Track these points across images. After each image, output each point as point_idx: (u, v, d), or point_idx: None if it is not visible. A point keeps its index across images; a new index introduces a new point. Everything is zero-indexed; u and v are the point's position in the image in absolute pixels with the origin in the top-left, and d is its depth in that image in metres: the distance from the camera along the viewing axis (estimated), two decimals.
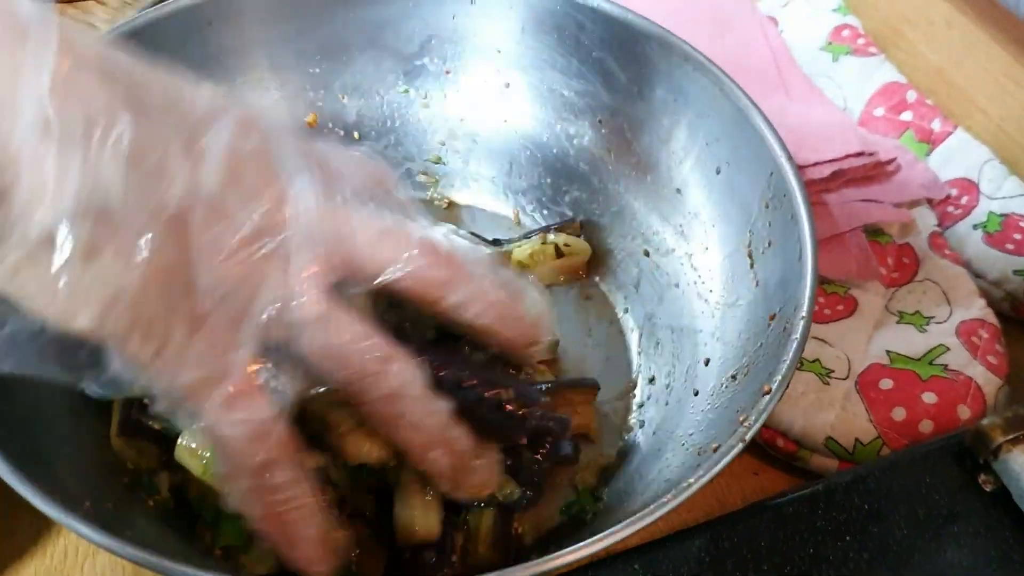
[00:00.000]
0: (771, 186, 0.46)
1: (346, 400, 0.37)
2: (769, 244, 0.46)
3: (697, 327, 0.50)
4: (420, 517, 0.41)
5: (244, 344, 0.33)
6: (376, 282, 0.36)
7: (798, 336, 0.40)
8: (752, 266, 0.47)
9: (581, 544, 0.35)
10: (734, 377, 0.45)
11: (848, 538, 0.44)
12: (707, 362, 0.48)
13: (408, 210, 0.39)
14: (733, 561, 0.43)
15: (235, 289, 0.33)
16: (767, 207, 0.46)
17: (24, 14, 0.30)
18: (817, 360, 0.51)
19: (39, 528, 0.48)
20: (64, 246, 0.29)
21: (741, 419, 0.39)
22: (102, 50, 0.32)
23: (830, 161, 0.56)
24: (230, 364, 0.33)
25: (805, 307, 0.41)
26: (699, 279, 0.51)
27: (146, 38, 0.50)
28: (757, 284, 0.46)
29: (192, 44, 0.53)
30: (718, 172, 0.50)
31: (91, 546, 0.47)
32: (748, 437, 0.37)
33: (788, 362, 0.39)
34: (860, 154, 0.56)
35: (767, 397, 0.38)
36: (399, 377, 0.36)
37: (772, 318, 0.43)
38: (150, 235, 0.31)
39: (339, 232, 0.35)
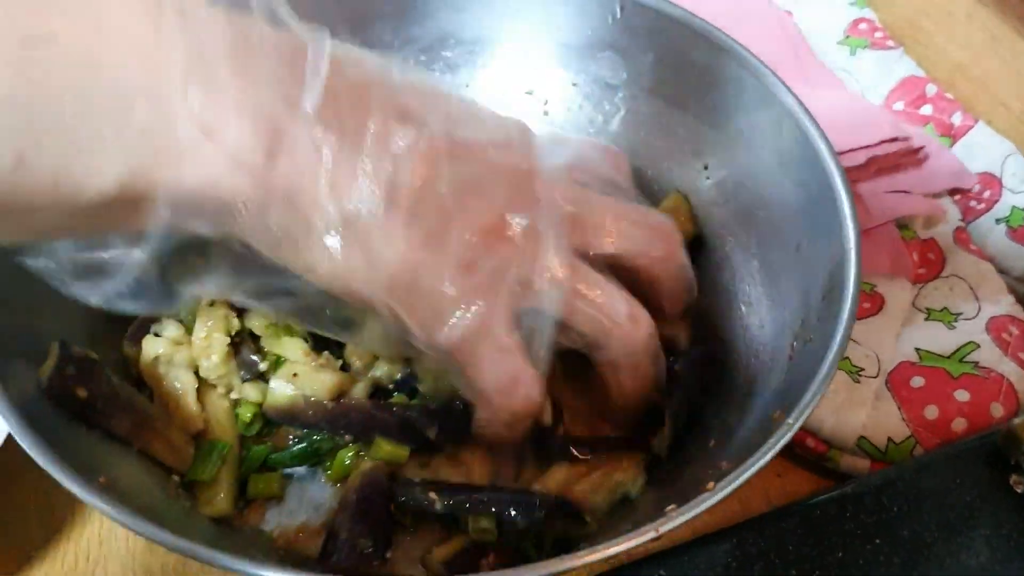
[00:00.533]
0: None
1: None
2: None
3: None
4: None
5: (505, 309, 0.37)
6: (615, 258, 0.40)
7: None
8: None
9: (619, 538, 0.34)
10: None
11: (878, 540, 0.43)
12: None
13: (633, 194, 0.44)
14: (761, 565, 0.42)
15: (497, 262, 0.36)
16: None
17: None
18: (847, 358, 0.50)
19: (48, 534, 0.47)
20: (341, 229, 0.33)
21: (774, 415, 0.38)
22: (365, 59, 0.36)
23: (865, 147, 0.55)
24: (492, 329, 0.37)
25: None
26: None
27: None
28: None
29: None
30: None
31: (102, 552, 0.47)
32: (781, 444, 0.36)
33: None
34: (894, 139, 0.55)
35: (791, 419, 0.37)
36: (640, 332, 0.40)
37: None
38: (419, 218, 0.35)
39: (582, 214, 0.39)
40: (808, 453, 0.49)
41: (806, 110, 0.45)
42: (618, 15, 0.50)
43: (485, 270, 0.36)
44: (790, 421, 0.36)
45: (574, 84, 0.54)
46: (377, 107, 0.34)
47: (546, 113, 0.55)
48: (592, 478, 0.43)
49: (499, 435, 0.41)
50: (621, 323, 0.39)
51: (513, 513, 0.40)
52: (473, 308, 0.36)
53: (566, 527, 0.41)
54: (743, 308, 0.48)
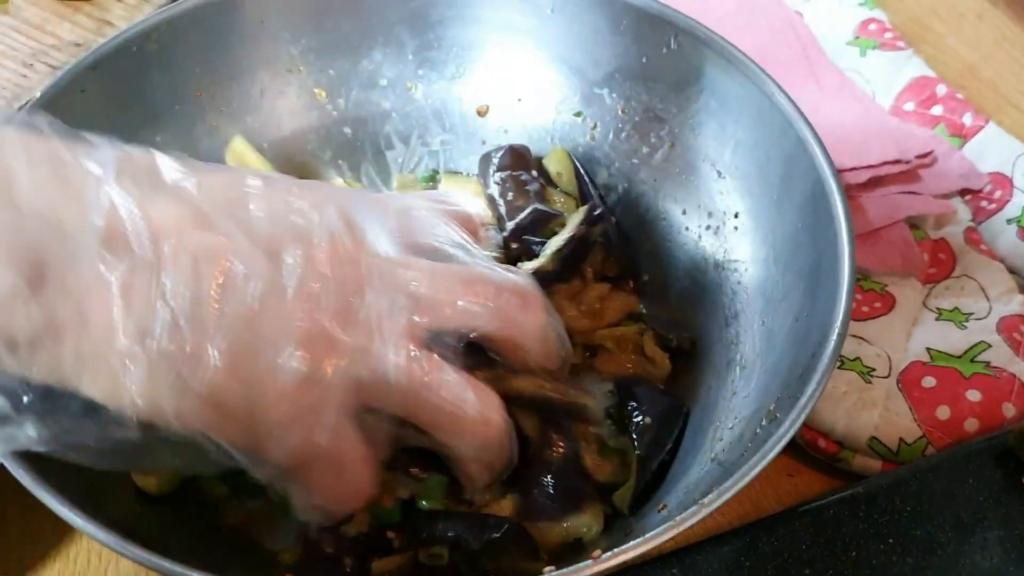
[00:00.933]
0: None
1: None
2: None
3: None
4: None
5: (341, 420, 0.34)
6: (470, 332, 0.37)
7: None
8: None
9: (620, 548, 0.34)
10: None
11: (891, 541, 0.43)
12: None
13: (487, 256, 0.41)
14: (774, 565, 0.42)
15: (322, 368, 0.33)
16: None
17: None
18: (858, 359, 0.50)
19: (62, 532, 0.47)
20: (136, 357, 0.31)
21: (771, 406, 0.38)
22: (147, 159, 0.34)
23: (867, 167, 0.55)
24: (328, 443, 0.34)
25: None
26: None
27: (163, 35, 0.50)
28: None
29: (212, 38, 0.53)
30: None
31: (113, 552, 0.47)
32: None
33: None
34: (896, 161, 0.55)
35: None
36: (496, 432, 0.38)
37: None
38: (221, 337, 0.32)
39: (425, 292, 0.36)
40: (820, 454, 0.49)
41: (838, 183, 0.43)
42: (672, 47, 0.50)
43: (312, 380, 0.33)
44: (785, 426, 0.36)
45: (623, 112, 0.54)
46: (172, 220, 0.32)
47: (593, 138, 0.55)
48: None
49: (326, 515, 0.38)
50: (470, 422, 0.37)
51: (467, 536, 0.39)
52: (301, 425, 0.34)
53: (517, 561, 0.40)
54: (736, 370, 0.47)
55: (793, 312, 0.43)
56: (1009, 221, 0.58)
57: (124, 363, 0.31)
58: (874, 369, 0.50)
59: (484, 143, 0.57)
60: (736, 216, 0.49)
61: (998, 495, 0.44)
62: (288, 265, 0.34)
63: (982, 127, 0.62)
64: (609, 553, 0.33)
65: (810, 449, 0.49)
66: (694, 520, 0.34)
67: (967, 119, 0.62)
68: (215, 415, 0.33)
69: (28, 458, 0.35)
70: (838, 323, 0.38)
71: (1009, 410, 0.47)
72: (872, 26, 0.68)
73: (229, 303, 0.32)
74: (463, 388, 0.36)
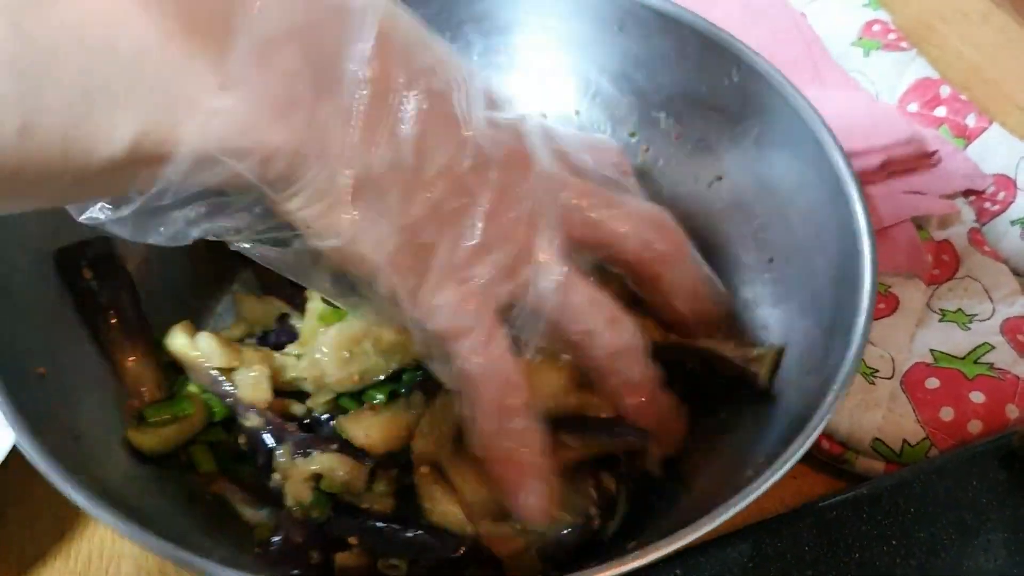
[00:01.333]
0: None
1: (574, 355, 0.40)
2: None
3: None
4: None
5: (495, 299, 0.36)
6: (610, 251, 0.40)
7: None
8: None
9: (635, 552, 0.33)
10: None
11: (894, 542, 0.43)
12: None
13: (637, 191, 0.44)
14: (777, 566, 0.42)
15: (493, 248, 0.36)
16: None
17: None
18: (861, 360, 0.50)
19: (63, 530, 0.47)
20: (349, 194, 0.33)
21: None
22: (413, 23, 0.35)
23: (879, 149, 0.55)
24: (482, 316, 0.36)
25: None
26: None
27: None
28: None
29: None
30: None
31: (116, 550, 0.47)
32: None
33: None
34: (909, 142, 0.55)
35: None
36: (623, 337, 0.39)
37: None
38: (428, 191, 0.34)
39: (578, 204, 0.39)
40: (823, 455, 0.49)
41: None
42: (735, 79, 0.49)
43: (484, 257, 0.36)
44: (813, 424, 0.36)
45: (676, 138, 0.53)
46: (417, 73, 0.34)
47: (643, 160, 0.54)
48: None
49: (489, 435, 0.38)
50: (600, 328, 0.39)
51: (425, 552, 0.40)
52: (468, 293, 0.36)
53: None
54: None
55: (808, 366, 0.43)
56: (1013, 223, 0.58)
57: (342, 192, 0.32)
58: (878, 370, 0.49)
59: None
60: (771, 261, 0.48)
61: (1002, 497, 0.44)
62: (488, 149, 0.36)
63: (986, 128, 0.62)
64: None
65: (814, 450, 0.49)
66: (697, 534, 0.34)
67: (971, 120, 0.62)
68: (404, 255, 0.34)
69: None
70: (846, 371, 0.38)
71: (1013, 412, 0.47)
72: (876, 27, 0.68)
73: (444, 163, 0.34)
74: (595, 298, 0.39)
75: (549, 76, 0.56)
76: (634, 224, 0.40)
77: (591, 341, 0.39)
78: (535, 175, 0.37)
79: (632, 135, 0.55)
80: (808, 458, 0.49)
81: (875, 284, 0.40)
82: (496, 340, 0.37)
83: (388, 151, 0.33)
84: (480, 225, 0.35)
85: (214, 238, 0.35)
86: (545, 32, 0.55)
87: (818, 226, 0.45)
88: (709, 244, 0.50)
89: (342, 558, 0.41)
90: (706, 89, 0.51)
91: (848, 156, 0.43)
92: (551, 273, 0.37)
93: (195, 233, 0.34)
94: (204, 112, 0.29)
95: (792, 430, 0.37)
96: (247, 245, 0.36)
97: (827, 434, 0.48)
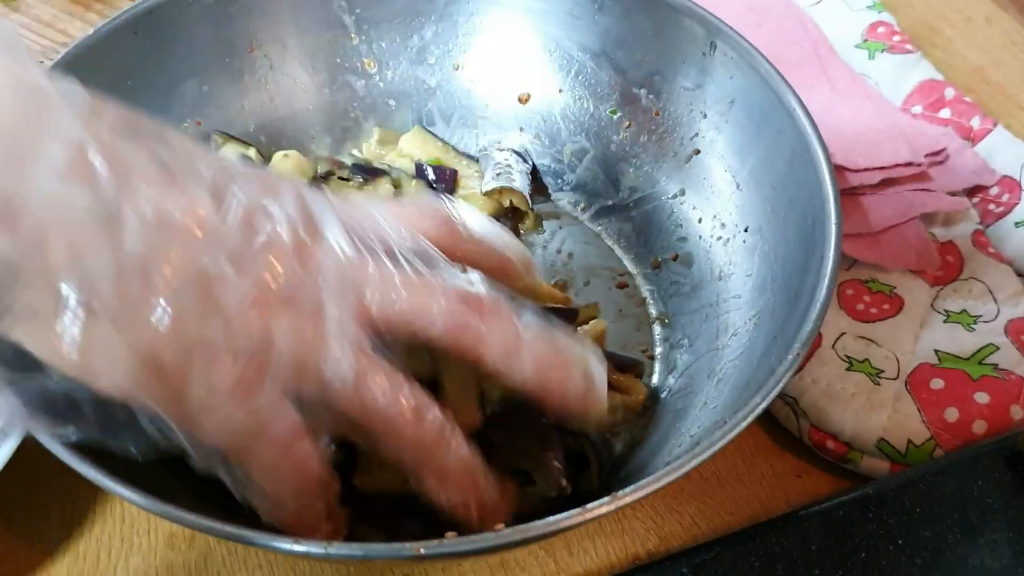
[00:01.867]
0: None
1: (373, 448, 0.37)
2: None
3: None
4: None
5: (279, 399, 0.33)
6: (419, 338, 0.36)
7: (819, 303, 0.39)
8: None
9: (599, 502, 0.34)
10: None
11: (900, 542, 0.43)
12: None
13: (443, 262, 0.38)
14: (784, 565, 0.42)
15: (265, 346, 0.33)
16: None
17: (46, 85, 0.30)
18: (867, 360, 0.50)
19: (71, 528, 0.47)
20: (76, 307, 0.29)
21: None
22: (125, 112, 0.32)
23: (879, 169, 0.55)
24: (266, 420, 0.33)
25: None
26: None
27: (164, 15, 0.52)
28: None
29: (207, 23, 0.54)
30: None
31: (124, 547, 0.47)
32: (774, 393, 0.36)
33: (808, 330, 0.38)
34: (908, 164, 0.56)
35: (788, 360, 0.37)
36: (428, 432, 0.36)
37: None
38: (170, 295, 0.31)
39: (374, 292, 0.35)
40: (828, 455, 0.49)
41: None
42: (711, 53, 0.51)
43: (254, 353, 0.32)
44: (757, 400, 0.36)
45: (656, 114, 0.55)
46: (142, 162, 0.31)
47: (624, 137, 0.56)
48: None
49: (287, 520, 0.36)
50: (400, 424, 0.35)
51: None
52: (240, 395, 0.32)
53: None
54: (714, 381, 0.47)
55: (774, 331, 0.43)
56: (1017, 224, 0.58)
57: (60, 310, 0.29)
58: (883, 371, 0.50)
59: (522, 129, 0.59)
60: (746, 230, 0.50)
61: (1007, 497, 0.45)
62: (246, 240, 0.33)
63: (990, 130, 0.62)
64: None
65: (819, 450, 0.49)
66: (660, 484, 0.34)
67: (975, 122, 0.62)
68: (149, 377, 0.31)
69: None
70: (806, 332, 0.38)
71: (1017, 412, 0.47)
72: (881, 29, 0.68)
73: (182, 263, 0.31)
74: (396, 383, 0.35)
75: (532, 57, 0.58)
76: (440, 305, 0.35)
77: (393, 439, 0.36)
78: (318, 265, 0.34)
79: (613, 112, 0.56)
80: (813, 458, 0.50)
81: (839, 245, 0.41)
82: (287, 443, 0.34)
83: (111, 264, 0.29)
84: (242, 323, 0.32)
85: None
86: (527, 13, 0.56)
87: (790, 194, 0.47)
88: (687, 217, 0.53)
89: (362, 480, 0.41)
90: (684, 64, 0.52)
91: (849, 173, 0.44)
92: (340, 368, 0.34)
93: None
94: None
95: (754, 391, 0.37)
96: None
97: (832, 434, 0.48)
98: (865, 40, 0.68)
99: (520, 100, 0.58)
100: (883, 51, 0.67)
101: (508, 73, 0.58)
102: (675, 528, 0.47)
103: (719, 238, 0.51)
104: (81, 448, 0.35)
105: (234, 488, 0.35)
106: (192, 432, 0.33)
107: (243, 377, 0.32)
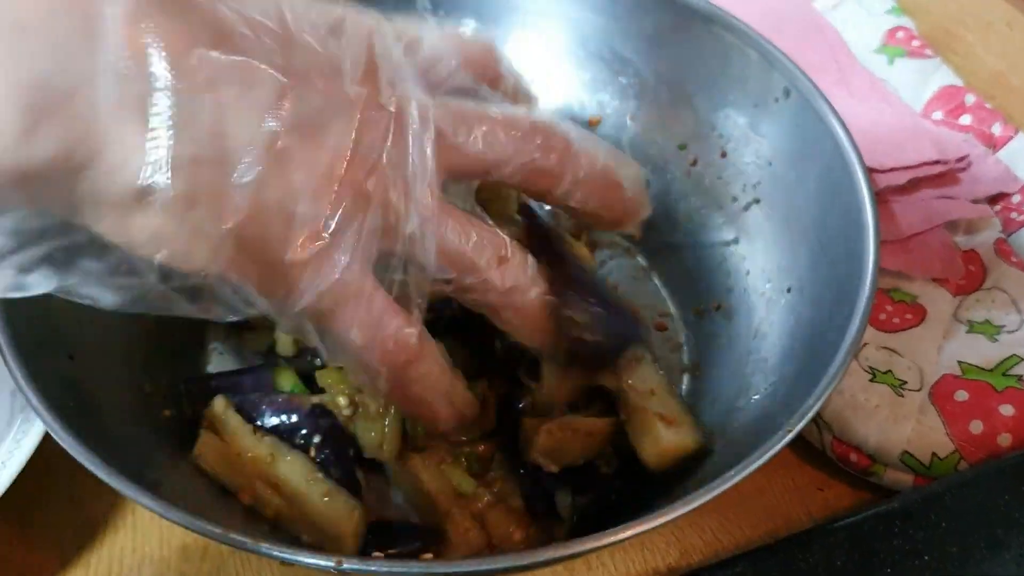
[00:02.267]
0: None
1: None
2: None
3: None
4: None
5: (366, 260, 0.33)
6: (488, 176, 0.36)
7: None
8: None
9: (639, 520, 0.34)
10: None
11: (926, 557, 0.42)
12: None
13: (516, 88, 0.39)
14: None
15: (350, 205, 0.32)
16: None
17: None
18: (890, 371, 0.49)
19: (83, 538, 0.47)
20: (162, 195, 0.29)
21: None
22: None
23: (905, 168, 0.54)
24: (354, 282, 0.33)
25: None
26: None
27: None
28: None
29: None
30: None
31: (136, 557, 0.46)
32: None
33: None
34: (936, 162, 0.55)
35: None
36: (513, 277, 0.36)
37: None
38: (252, 171, 0.30)
39: (445, 129, 0.34)
40: (851, 467, 0.48)
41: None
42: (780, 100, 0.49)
43: (336, 219, 0.32)
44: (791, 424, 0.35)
45: (723, 155, 0.52)
46: (198, 30, 0.29)
47: (689, 174, 0.54)
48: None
49: (391, 393, 0.37)
50: (486, 264, 0.35)
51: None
52: (326, 266, 0.32)
53: None
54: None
55: (787, 399, 0.41)
56: None
57: (141, 201, 0.29)
58: (906, 382, 0.49)
59: None
60: (788, 291, 0.48)
61: None
62: (312, 95, 0.31)
63: (1012, 137, 0.61)
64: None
65: (841, 463, 0.48)
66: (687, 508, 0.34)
67: (996, 129, 0.62)
68: (234, 253, 0.31)
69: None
70: (854, 330, 0.38)
71: None
72: (900, 34, 0.67)
73: (254, 136, 0.30)
74: (479, 231, 0.35)
75: (605, 83, 0.56)
76: (507, 141, 0.36)
77: (480, 285, 0.36)
78: (386, 112, 0.33)
79: (682, 147, 0.54)
80: (835, 470, 0.49)
81: (863, 330, 0.39)
82: (372, 300, 0.34)
83: (189, 144, 0.28)
84: (319, 188, 0.31)
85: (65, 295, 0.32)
86: (602, 34, 0.55)
87: (831, 257, 0.45)
88: (737, 267, 0.51)
89: None
90: (755, 108, 0.50)
91: (874, 173, 0.43)
92: (420, 217, 0.33)
93: (38, 283, 0.31)
94: None
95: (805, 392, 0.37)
96: (111, 298, 0.32)
97: (855, 446, 0.48)
98: (884, 45, 0.67)
99: (590, 122, 0.56)
100: (902, 56, 0.66)
101: (580, 96, 0.56)
102: (696, 542, 0.46)
103: (762, 294, 0.49)
104: (98, 453, 0.35)
105: (327, 354, 0.35)
106: (280, 303, 0.33)
107: (330, 241, 0.32)
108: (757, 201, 0.50)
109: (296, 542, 0.41)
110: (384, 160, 0.32)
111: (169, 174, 0.28)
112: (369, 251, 0.33)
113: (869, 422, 0.47)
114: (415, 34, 0.36)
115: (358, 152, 0.32)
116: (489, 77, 0.38)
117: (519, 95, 0.40)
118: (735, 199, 0.51)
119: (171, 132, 0.28)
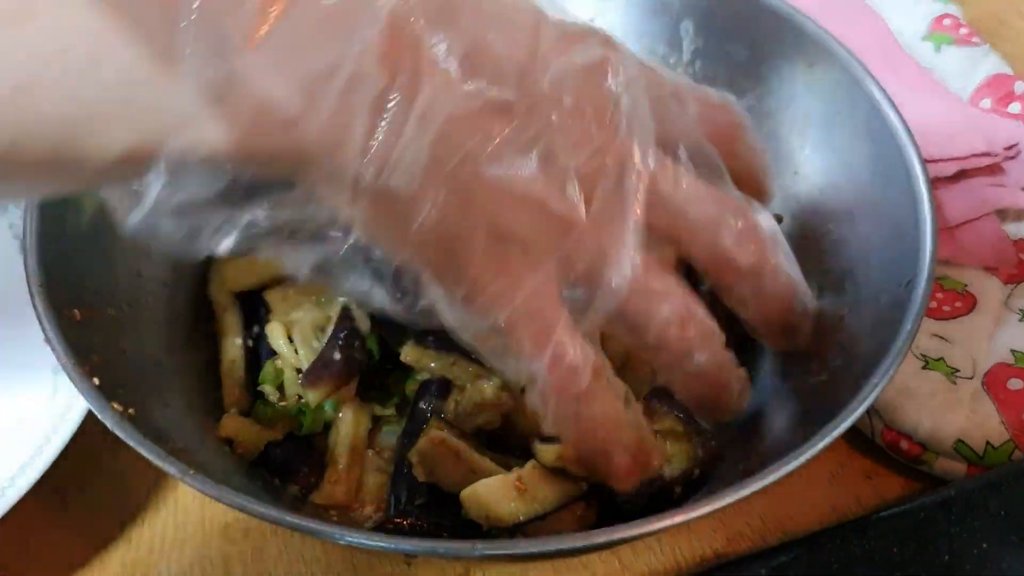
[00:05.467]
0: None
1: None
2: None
3: None
4: None
5: (554, 284, 0.33)
6: (679, 245, 0.35)
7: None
8: None
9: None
10: None
11: (985, 545, 0.41)
12: None
13: (750, 171, 0.38)
14: (864, 568, 0.40)
15: (554, 236, 0.32)
16: None
17: None
18: (942, 359, 0.48)
19: (124, 517, 0.46)
20: (365, 185, 0.30)
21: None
22: None
23: (954, 159, 0.54)
24: (542, 308, 0.33)
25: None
26: None
27: None
28: None
29: None
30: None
31: (177, 536, 0.46)
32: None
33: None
34: (984, 154, 0.54)
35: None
36: (694, 341, 0.35)
37: None
38: (452, 185, 0.30)
39: (666, 193, 0.33)
40: (901, 456, 0.47)
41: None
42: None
43: (537, 246, 0.32)
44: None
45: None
46: (447, 45, 0.30)
47: None
48: None
49: (565, 421, 0.35)
50: (667, 328, 0.34)
51: None
52: (521, 284, 0.32)
53: None
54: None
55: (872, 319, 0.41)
56: None
57: (355, 187, 0.30)
58: (959, 370, 0.48)
59: None
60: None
61: None
62: (543, 118, 0.31)
63: None
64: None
65: (891, 451, 0.47)
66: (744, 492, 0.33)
67: None
68: (429, 254, 0.32)
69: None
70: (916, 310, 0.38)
71: None
72: (947, 21, 0.66)
73: (466, 159, 0.30)
74: (670, 289, 0.34)
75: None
76: (714, 223, 0.34)
77: (657, 342, 0.35)
78: (618, 148, 0.32)
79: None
80: (884, 458, 0.48)
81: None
82: (560, 328, 0.33)
83: (412, 149, 0.29)
84: (513, 221, 0.31)
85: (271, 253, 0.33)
86: None
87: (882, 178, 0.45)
88: None
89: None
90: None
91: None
92: (623, 267, 0.33)
93: (231, 238, 0.32)
94: (194, 124, 0.28)
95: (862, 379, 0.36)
96: (306, 270, 0.34)
97: (906, 434, 0.47)
98: (931, 32, 0.66)
99: None
100: (950, 44, 0.65)
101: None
102: (743, 528, 0.45)
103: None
104: (140, 430, 0.34)
105: (499, 364, 0.35)
106: (464, 304, 0.33)
107: (528, 261, 0.32)
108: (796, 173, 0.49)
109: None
110: (599, 199, 0.32)
111: (402, 173, 0.30)
112: (560, 276, 0.33)
113: (921, 410, 0.46)
114: (665, 89, 0.35)
115: (573, 186, 0.32)
116: (725, 152, 0.36)
117: (753, 180, 0.38)
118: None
119: (412, 134, 0.29)
